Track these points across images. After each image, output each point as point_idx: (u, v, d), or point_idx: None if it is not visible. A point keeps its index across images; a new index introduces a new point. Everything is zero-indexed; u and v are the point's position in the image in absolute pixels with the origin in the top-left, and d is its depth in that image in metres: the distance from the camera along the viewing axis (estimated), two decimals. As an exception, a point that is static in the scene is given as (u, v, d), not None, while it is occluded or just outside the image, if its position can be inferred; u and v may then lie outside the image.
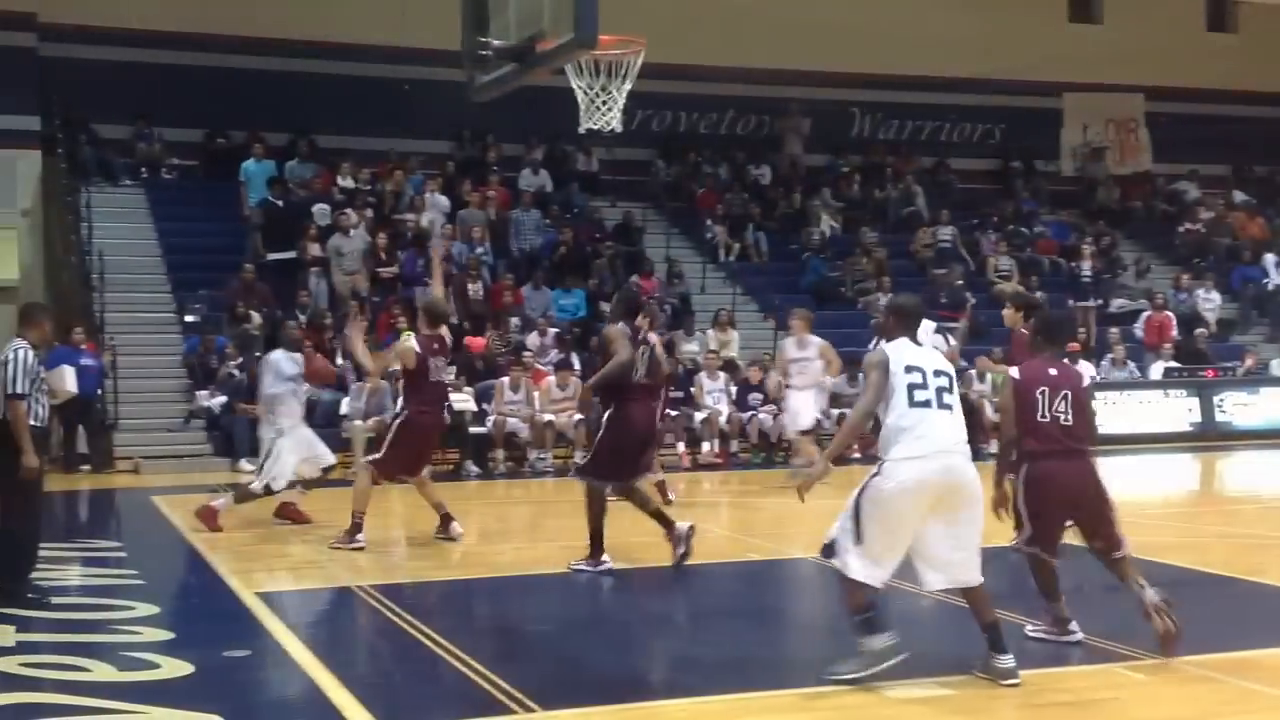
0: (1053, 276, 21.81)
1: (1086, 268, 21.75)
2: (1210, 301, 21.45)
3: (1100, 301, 20.98)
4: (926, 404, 5.90)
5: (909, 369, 5.96)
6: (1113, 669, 6.26)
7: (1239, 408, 19.02)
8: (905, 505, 5.85)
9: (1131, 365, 19.20)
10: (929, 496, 5.84)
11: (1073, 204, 24.63)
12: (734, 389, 16.63)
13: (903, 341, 6.14)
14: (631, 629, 7.72)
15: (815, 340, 13.58)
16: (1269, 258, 22.96)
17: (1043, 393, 6.44)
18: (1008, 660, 5.86)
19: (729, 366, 17.19)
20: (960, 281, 20.06)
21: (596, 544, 8.63)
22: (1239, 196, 25.08)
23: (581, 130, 10.66)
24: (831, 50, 23.40)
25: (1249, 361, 19.86)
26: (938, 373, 5.99)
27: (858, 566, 5.88)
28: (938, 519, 5.87)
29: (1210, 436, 18.44)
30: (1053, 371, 6.58)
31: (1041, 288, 20.99)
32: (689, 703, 5.75)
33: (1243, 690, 5.96)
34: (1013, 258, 21.64)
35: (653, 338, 9.01)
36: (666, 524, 8.79)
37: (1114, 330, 19.75)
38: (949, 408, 5.94)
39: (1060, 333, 7.31)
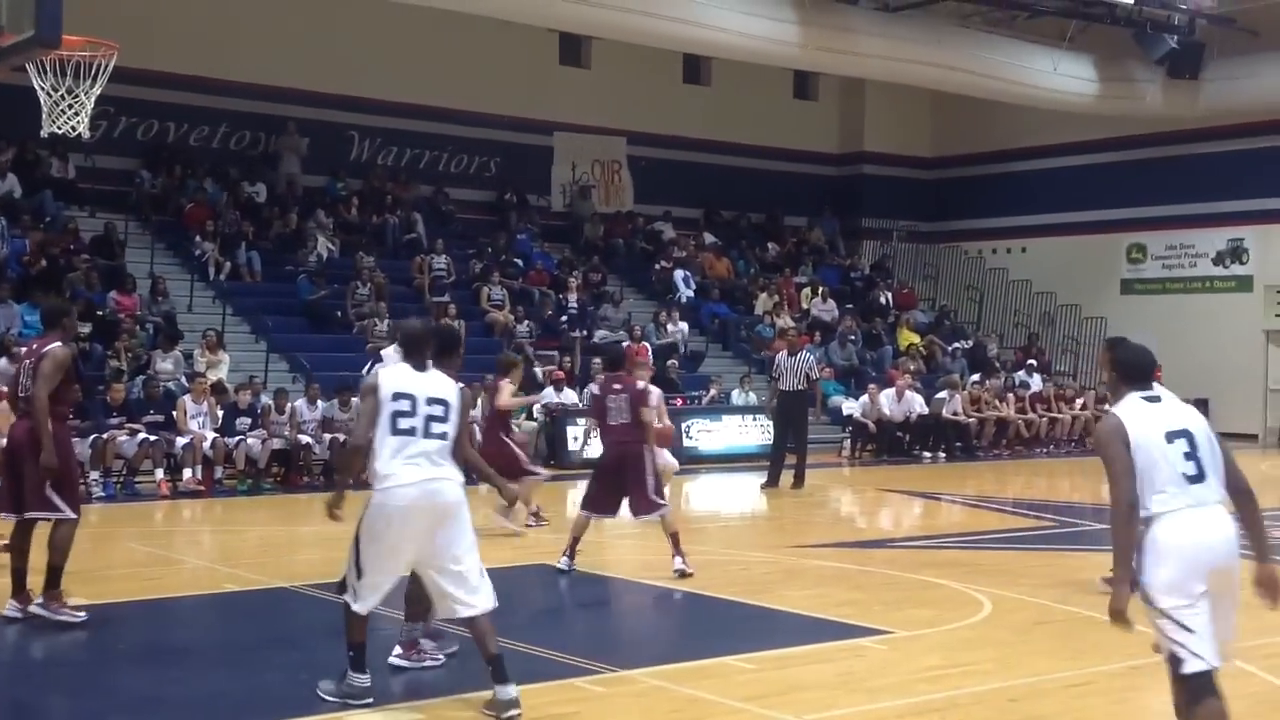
0: (541, 308, 22.70)
1: (573, 299, 22.82)
2: (680, 332, 23.14)
3: (585, 332, 22.07)
4: (411, 431, 5.90)
5: (397, 396, 5.94)
6: (574, 683, 6.61)
7: (704, 434, 20.61)
8: (394, 535, 5.89)
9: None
10: (418, 525, 5.88)
11: (562, 238, 25.79)
12: (220, 412, 16.03)
13: (401, 368, 6.13)
14: (86, 671, 7.24)
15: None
16: (678, 274, 24.86)
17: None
18: (509, 691, 5.89)
19: (217, 389, 16.55)
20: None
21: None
22: (709, 238, 27.24)
23: (44, 133, 9.98)
24: (331, 71, 23.32)
25: (713, 391, 21.60)
26: (431, 400, 5.97)
27: (354, 599, 5.98)
28: (433, 547, 5.93)
29: (679, 460, 19.79)
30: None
31: (529, 318, 21.83)
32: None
33: (691, 698, 6.48)
34: (505, 288, 22.34)
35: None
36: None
37: (597, 360, 20.84)
38: (438, 437, 5.95)
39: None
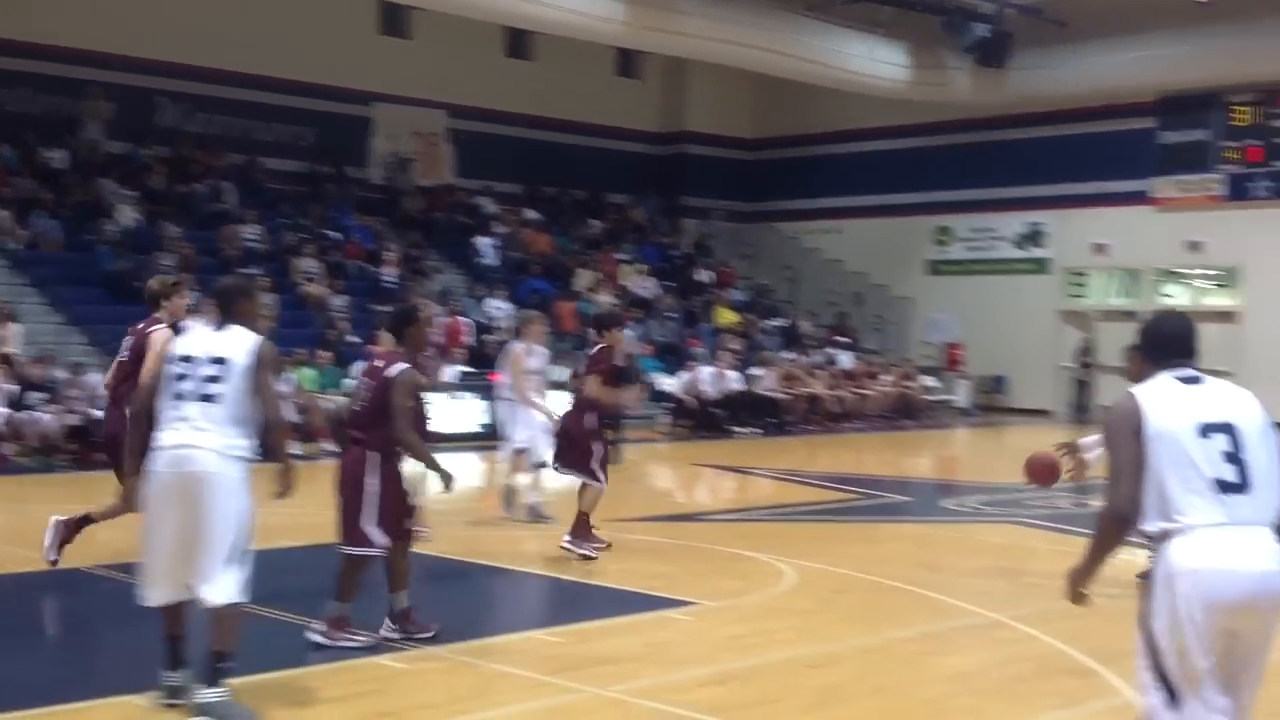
0: (358, 281, 22.33)
1: (390, 273, 22.50)
2: (500, 310, 23.03)
3: (400, 306, 21.75)
4: (180, 395, 5.48)
5: (180, 358, 5.55)
6: (377, 661, 6.55)
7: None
8: (152, 508, 5.49)
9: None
10: (170, 496, 5.40)
11: (380, 211, 25.37)
12: (13, 387, 15.32)
13: (198, 329, 5.80)
14: None
15: (544, 351, 12.23)
16: (483, 240, 24.72)
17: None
18: (205, 695, 5.40)
19: (7, 362, 15.82)
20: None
21: None
22: (530, 214, 27.16)
23: None
24: (137, 35, 22.43)
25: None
26: (213, 360, 5.46)
27: (142, 587, 5.58)
28: (177, 522, 5.38)
29: (498, 437, 19.71)
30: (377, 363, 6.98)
31: (347, 292, 21.46)
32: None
33: (497, 673, 6.49)
34: (320, 261, 21.90)
35: None
36: None
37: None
38: (206, 399, 5.42)
39: None
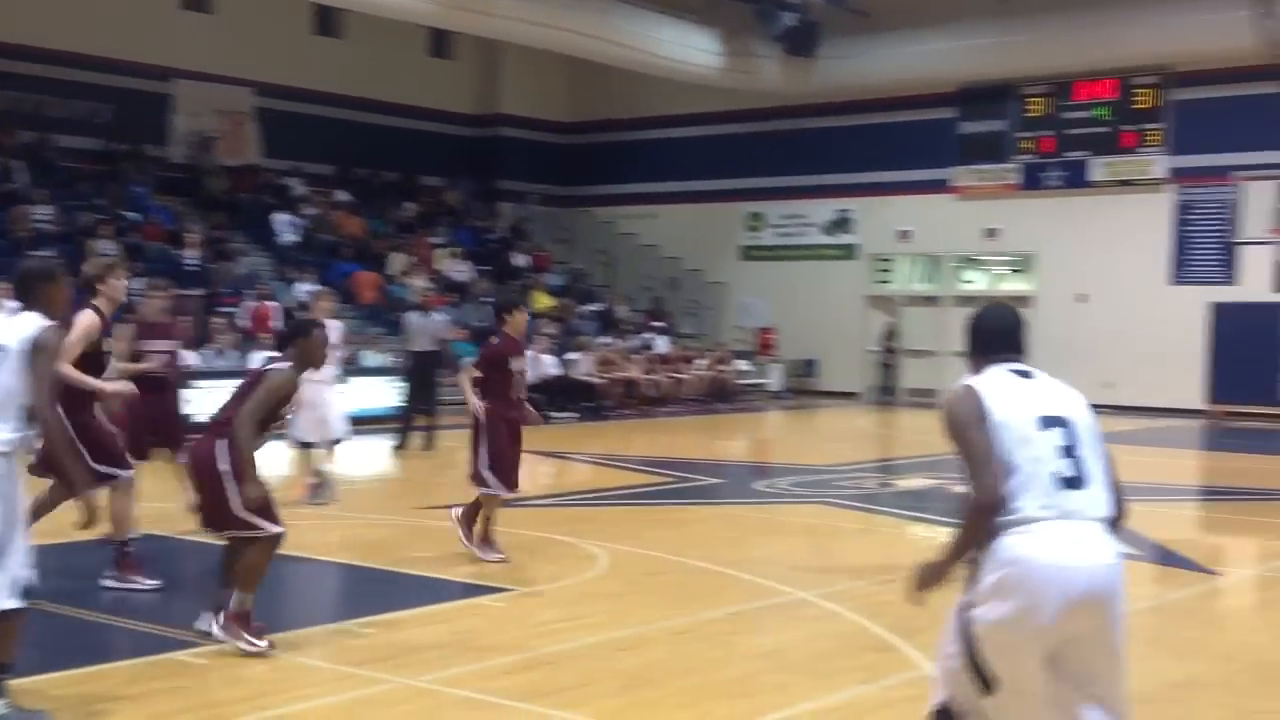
0: (158, 263, 21.54)
1: (192, 256, 21.78)
2: (310, 294, 22.49)
3: (206, 290, 21.12)
4: None
5: None
6: (176, 657, 6.36)
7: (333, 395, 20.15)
8: None
9: (237, 353, 19.57)
10: None
11: (182, 191, 24.51)
12: None
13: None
14: None
15: (339, 325, 12.00)
16: (280, 218, 24.16)
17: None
18: None
19: None
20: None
21: None
22: (341, 195, 26.61)
23: None
24: (-85, 2, 21.18)
25: (343, 352, 21.13)
26: None
27: None
28: None
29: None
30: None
31: (147, 274, 20.67)
32: None
33: (301, 665, 6.34)
34: (118, 242, 21.04)
35: None
36: None
37: (219, 318, 20.01)
38: None
39: None
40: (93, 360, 7.52)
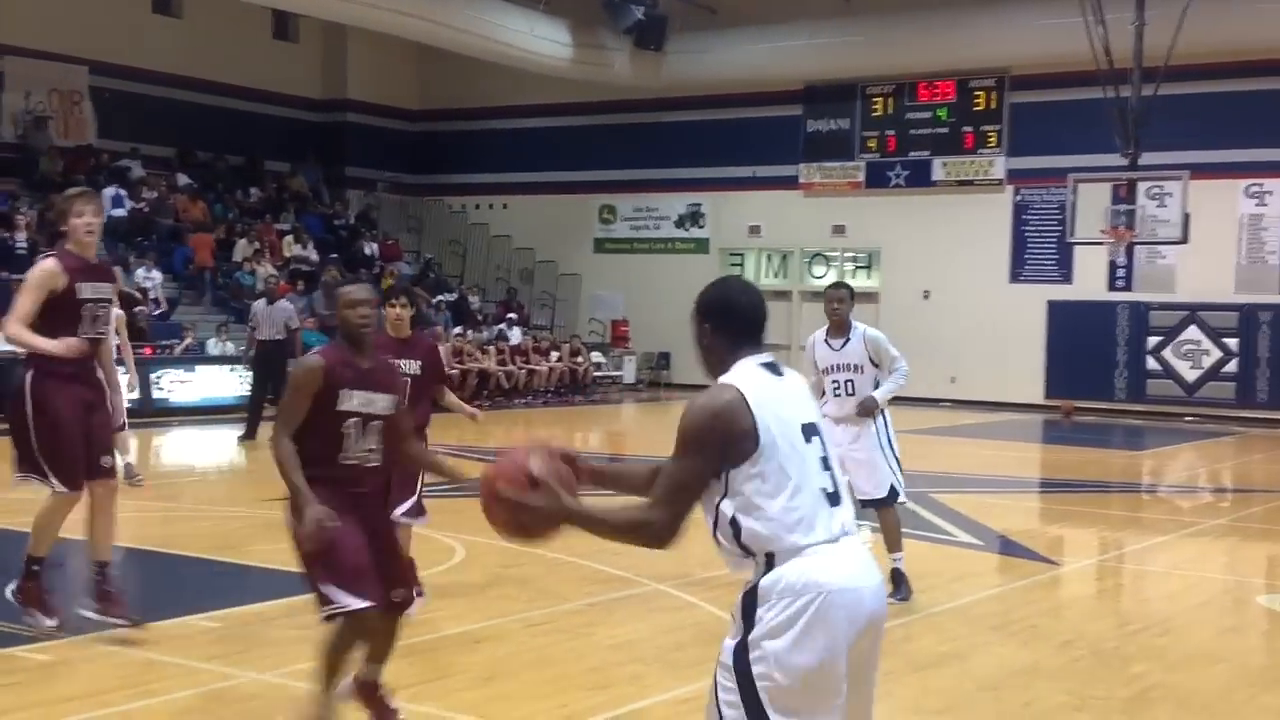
0: None
1: (23, 239, 20.91)
2: (152, 280, 21.83)
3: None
4: None
5: None
6: (13, 653, 6.12)
7: (177, 385, 19.61)
8: None
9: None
10: None
11: (14, 172, 23.50)
12: None
13: None
14: None
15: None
16: (107, 191, 23.23)
17: None
18: None
19: None
20: None
21: None
22: (182, 179, 25.83)
23: None
24: None
25: (188, 340, 20.59)
26: None
27: None
28: None
29: (149, 413, 18.78)
30: None
31: (-25, 258, 19.81)
32: None
33: (147, 661, 6.14)
34: (-56, 223, 20.12)
35: None
36: None
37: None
38: None
39: None
40: (62, 310, 6.25)
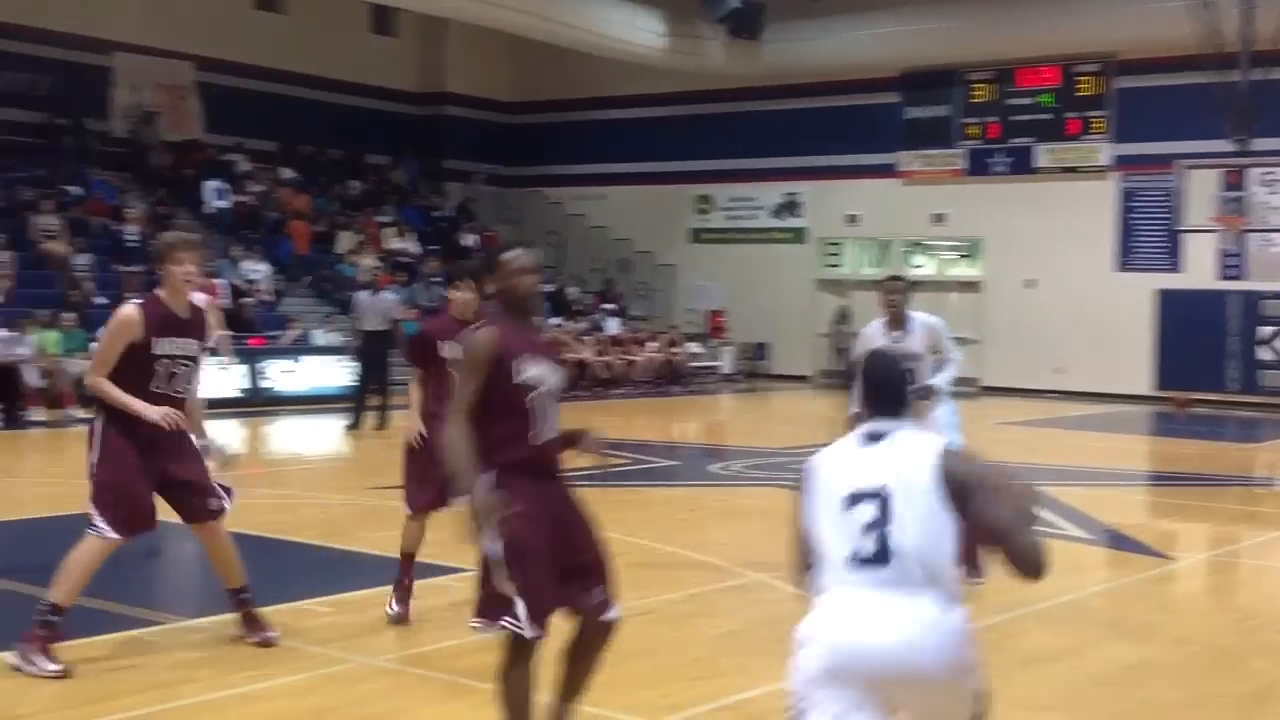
0: (101, 239, 21.23)
1: (133, 231, 21.44)
2: (258, 272, 22.27)
3: (147, 267, 20.81)
4: None
5: None
6: (135, 635, 6.31)
7: (284, 375, 20.00)
8: None
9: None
10: None
11: (124, 166, 24.13)
12: None
13: None
14: None
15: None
16: (210, 184, 23.82)
17: None
18: None
19: None
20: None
21: None
22: (286, 173, 26.30)
23: None
24: None
25: (296, 332, 20.97)
26: None
27: None
28: None
29: (257, 403, 19.18)
30: None
31: (89, 250, 20.39)
32: None
33: (263, 644, 6.27)
34: (60, 217, 20.69)
35: None
36: None
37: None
38: None
39: None
40: (136, 364, 5.89)
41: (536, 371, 4.43)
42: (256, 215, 24.34)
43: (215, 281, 20.72)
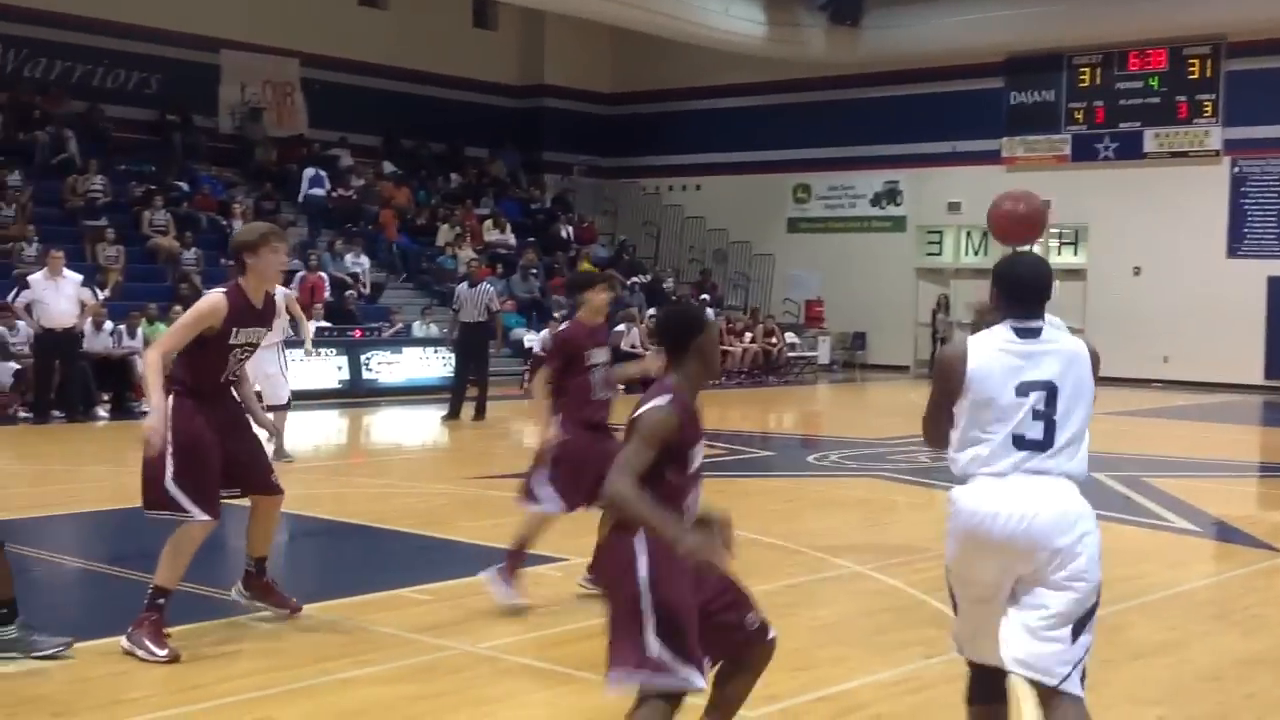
0: (209, 234, 21.70)
1: (239, 226, 21.89)
2: (360, 265, 22.61)
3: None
4: None
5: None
6: (240, 621, 6.42)
7: (384, 366, 20.30)
8: None
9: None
10: None
11: (231, 162, 24.65)
12: None
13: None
14: None
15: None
16: (307, 172, 24.02)
17: None
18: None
19: None
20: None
21: None
22: (388, 167, 26.66)
23: None
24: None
25: (398, 325, 21.26)
26: None
27: None
28: None
29: (358, 394, 19.49)
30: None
31: (198, 244, 20.86)
32: None
33: (364, 631, 6.36)
34: (169, 212, 21.21)
35: None
36: None
37: (268, 290, 20.12)
38: None
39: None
40: (211, 350, 5.96)
41: (700, 456, 4.14)
42: (358, 209, 24.71)
43: (319, 275, 21.13)
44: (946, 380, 3.97)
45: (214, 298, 5.96)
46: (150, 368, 5.82)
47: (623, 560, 3.95)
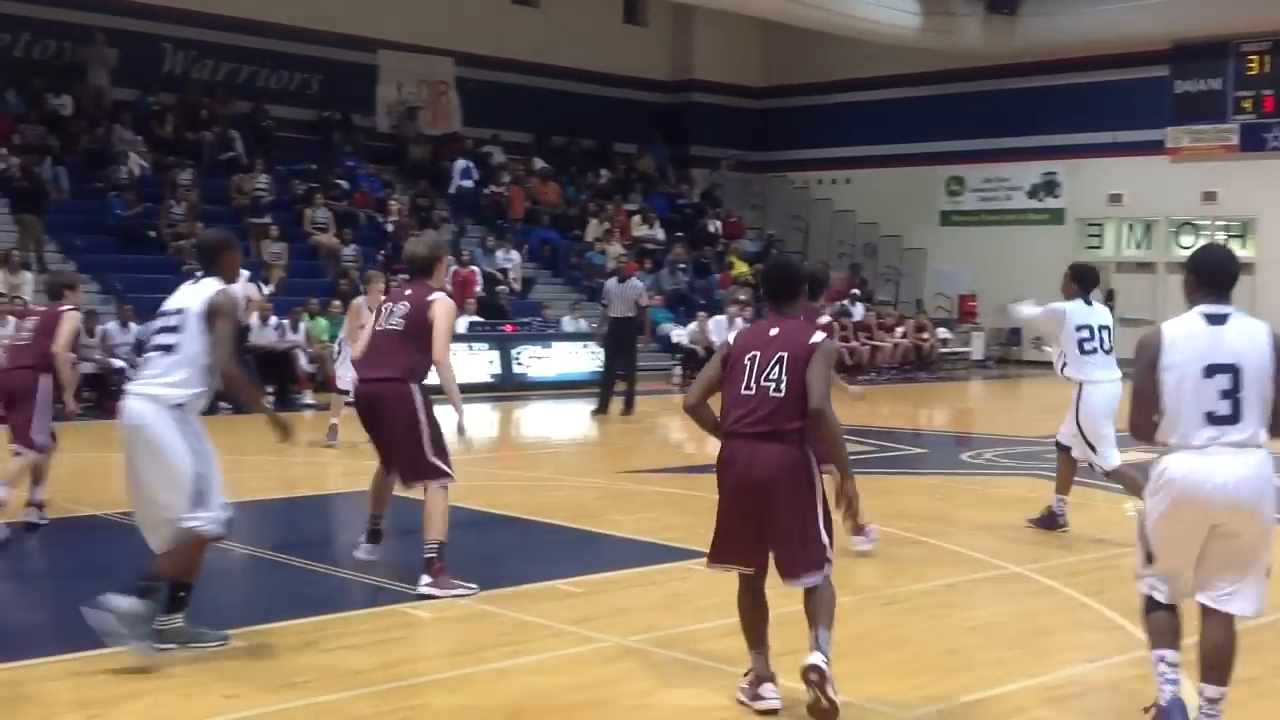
0: (368, 230, 22.22)
1: (396, 223, 22.35)
2: (511, 261, 22.90)
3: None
4: (150, 348, 5.76)
5: (159, 313, 5.83)
6: (399, 609, 6.54)
7: (534, 360, 20.53)
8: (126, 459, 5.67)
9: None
10: (125, 447, 5.62)
11: (388, 160, 25.20)
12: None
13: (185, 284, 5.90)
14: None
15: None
16: (458, 164, 24.43)
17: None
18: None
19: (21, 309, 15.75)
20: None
21: None
22: (538, 163, 26.95)
23: None
24: (142, -20, 22.21)
25: (545, 317, 21.49)
26: (171, 311, 5.72)
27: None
28: (130, 471, 5.61)
29: (508, 387, 19.75)
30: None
31: (356, 241, 21.37)
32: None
33: (517, 621, 6.44)
34: (330, 210, 21.77)
35: None
36: None
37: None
38: (160, 349, 5.65)
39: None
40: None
41: None
42: (509, 205, 25.02)
43: (471, 269, 21.48)
44: (1147, 366, 4.51)
45: (450, 299, 7.13)
46: (452, 377, 6.97)
47: (809, 472, 5.44)
